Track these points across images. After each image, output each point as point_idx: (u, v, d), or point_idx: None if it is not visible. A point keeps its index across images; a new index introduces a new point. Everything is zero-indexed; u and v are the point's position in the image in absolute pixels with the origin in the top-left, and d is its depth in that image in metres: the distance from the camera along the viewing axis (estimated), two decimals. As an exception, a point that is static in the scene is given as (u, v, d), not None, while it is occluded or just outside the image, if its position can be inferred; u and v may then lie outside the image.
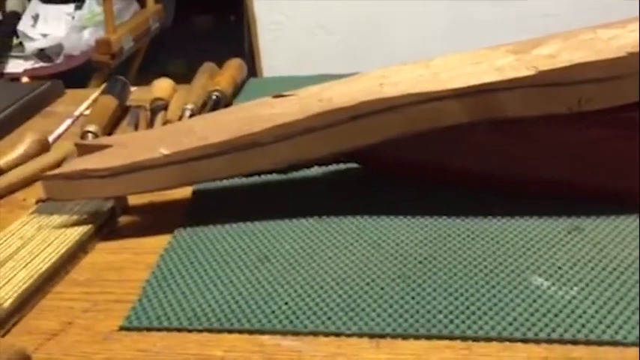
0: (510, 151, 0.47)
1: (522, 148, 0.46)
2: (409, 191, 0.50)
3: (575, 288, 0.38)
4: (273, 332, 0.37)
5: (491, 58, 0.46)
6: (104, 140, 0.55)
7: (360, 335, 0.36)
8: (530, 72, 0.42)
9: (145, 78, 0.81)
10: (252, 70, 1.70)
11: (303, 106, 0.48)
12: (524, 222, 0.45)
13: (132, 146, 0.50)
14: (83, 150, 0.52)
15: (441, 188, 0.50)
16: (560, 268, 0.40)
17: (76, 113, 0.76)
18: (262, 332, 0.37)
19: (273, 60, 1.68)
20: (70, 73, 1.82)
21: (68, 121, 0.74)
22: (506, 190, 0.48)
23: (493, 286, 0.39)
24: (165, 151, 0.47)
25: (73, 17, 1.95)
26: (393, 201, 0.50)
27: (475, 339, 0.35)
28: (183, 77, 0.79)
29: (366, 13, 1.55)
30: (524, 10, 1.45)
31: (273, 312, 0.39)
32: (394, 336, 0.36)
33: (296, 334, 0.37)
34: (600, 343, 0.34)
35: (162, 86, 0.76)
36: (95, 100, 0.75)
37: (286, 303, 0.39)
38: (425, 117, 0.45)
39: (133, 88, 0.79)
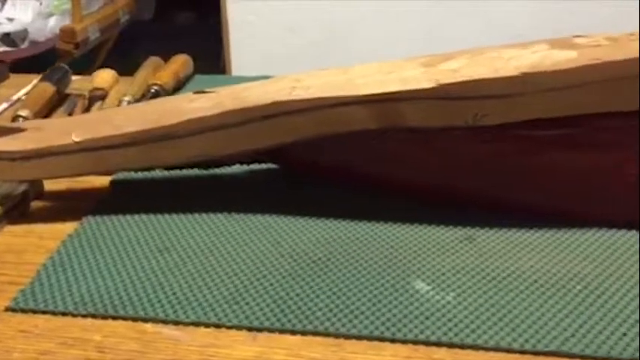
0: (417, 159, 0.48)
1: (428, 157, 0.48)
2: (320, 193, 0.52)
3: (452, 294, 0.40)
4: (156, 321, 0.38)
5: (402, 68, 0.47)
6: (21, 124, 0.55)
7: (239, 328, 0.37)
8: (431, 84, 0.44)
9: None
10: (223, 68, 1.71)
11: (219, 102, 0.49)
12: (423, 229, 0.47)
13: (47, 131, 0.50)
14: (0, 132, 0.52)
15: (350, 191, 0.51)
16: (443, 274, 0.42)
17: (14, 98, 0.76)
18: (146, 320, 0.38)
19: (242, 59, 1.69)
20: (33, 60, 1.81)
21: (4, 105, 0.73)
22: (412, 197, 0.49)
23: (376, 288, 0.40)
24: (76, 138, 0.48)
25: (42, 3, 1.93)
26: (304, 201, 0.51)
27: (347, 337, 0.36)
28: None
29: (336, 17, 1.57)
30: (496, 30, 1.47)
31: (160, 301, 0.39)
32: (272, 330, 0.37)
33: (178, 323, 0.38)
34: (462, 346, 0.35)
35: (103, 77, 0.76)
36: (34, 87, 0.75)
37: (174, 293, 0.40)
38: (332, 121, 0.46)
39: (75, 77, 0.79)
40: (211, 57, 1.70)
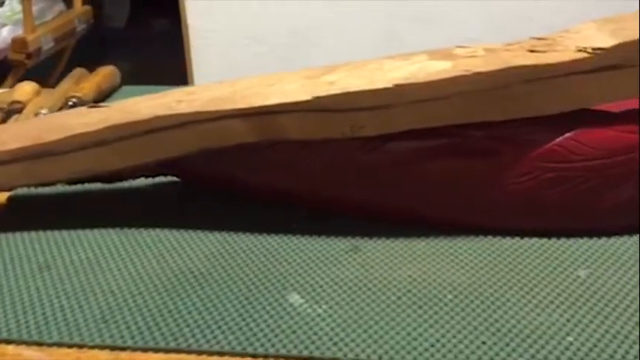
0: (306, 169, 0.48)
1: (315, 167, 0.48)
2: (217, 205, 0.52)
3: (324, 306, 0.40)
4: (19, 342, 0.37)
5: (283, 81, 0.47)
6: None
7: (102, 347, 0.37)
8: (307, 97, 0.44)
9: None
10: (185, 77, 1.70)
11: (106, 117, 0.48)
12: (312, 240, 0.47)
13: None
14: None
15: (246, 203, 0.51)
16: (321, 286, 0.42)
17: None
18: (9, 342, 0.38)
19: (203, 68, 1.69)
20: (-14, 71, 1.78)
21: None
22: (304, 207, 0.49)
23: (250, 302, 0.40)
24: (-44, 157, 0.47)
25: (-6, 14, 1.91)
26: (198, 215, 0.51)
27: (210, 353, 0.36)
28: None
29: (297, 26, 1.57)
30: (453, 34, 1.47)
31: (26, 322, 0.39)
32: (135, 349, 0.37)
33: (40, 344, 0.37)
34: (321, 359, 0.35)
35: (24, 89, 0.75)
36: (-49, 101, 0.74)
37: (43, 313, 0.40)
38: (213, 135, 0.46)
39: (-2, 91, 0.78)
40: (183, 64, 1.70)
